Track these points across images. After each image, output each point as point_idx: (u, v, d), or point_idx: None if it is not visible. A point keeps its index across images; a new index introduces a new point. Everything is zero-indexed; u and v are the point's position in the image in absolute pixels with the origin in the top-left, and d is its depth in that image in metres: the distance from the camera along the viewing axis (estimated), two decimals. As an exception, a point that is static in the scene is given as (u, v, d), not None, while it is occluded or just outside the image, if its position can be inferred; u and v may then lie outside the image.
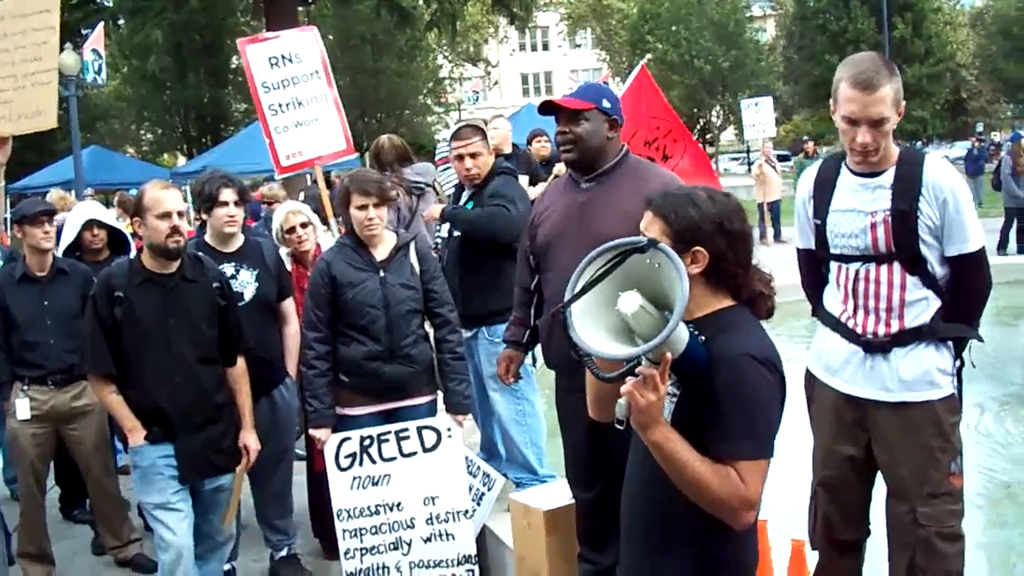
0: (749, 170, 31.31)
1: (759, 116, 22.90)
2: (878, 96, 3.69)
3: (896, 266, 3.84)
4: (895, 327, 3.86)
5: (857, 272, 3.92)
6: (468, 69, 65.16)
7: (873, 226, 3.83)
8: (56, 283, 6.17)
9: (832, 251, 4.00)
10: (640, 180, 4.41)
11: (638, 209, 4.25)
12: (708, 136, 63.24)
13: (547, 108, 4.61)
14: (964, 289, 3.86)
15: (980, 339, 3.98)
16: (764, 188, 22.28)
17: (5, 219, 11.96)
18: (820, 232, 4.04)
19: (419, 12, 34.97)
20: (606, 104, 4.51)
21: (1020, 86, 51.30)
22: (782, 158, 35.98)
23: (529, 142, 11.23)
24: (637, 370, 2.52)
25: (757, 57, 58.39)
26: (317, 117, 6.55)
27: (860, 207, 3.87)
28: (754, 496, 2.64)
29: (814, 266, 4.17)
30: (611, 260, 2.58)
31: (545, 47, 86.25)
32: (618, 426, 2.60)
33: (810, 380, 4.21)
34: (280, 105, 6.50)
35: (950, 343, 3.89)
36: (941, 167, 3.83)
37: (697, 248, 2.81)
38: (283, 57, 6.53)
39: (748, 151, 52.26)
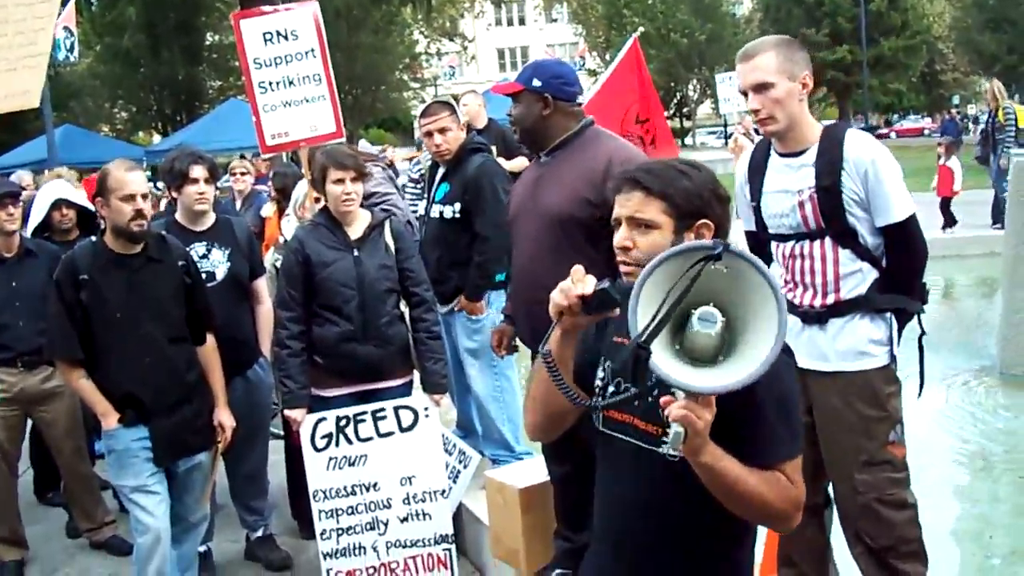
0: (727, 143, 31.32)
1: (734, 90, 22.79)
2: (757, 61, 3.85)
3: (828, 241, 3.92)
4: (831, 299, 3.95)
5: (792, 249, 4.02)
6: (444, 44, 64.98)
7: (801, 204, 3.93)
8: (24, 264, 6.09)
9: (770, 231, 4.10)
10: (585, 153, 4.44)
11: (580, 181, 4.29)
12: (685, 110, 63.29)
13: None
14: (895, 259, 3.93)
15: (921, 309, 4.05)
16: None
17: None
18: (757, 214, 4.14)
19: (394, -13, 34.86)
20: (536, 83, 4.51)
21: (995, 58, 51.35)
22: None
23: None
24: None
25: (733, 30, 58.47)
26: (307, 97, 6.43)
27: (788, 187, 3.98)
28: (803, 495, 2.48)
29: (760, 247, 4.21)
30: (690, 276, 2.15)
31: (521, 21, 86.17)
32: (671, 458, 2.35)
33: None
34: (271, 83, 6.38)
35: (888, 314, 3.96)
36: (861, 140, 3.90)
37: (703, 221, 2.63)
38: (278, 33, 6.40)
39: (725, 124, 52.33)
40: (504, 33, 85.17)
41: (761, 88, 3.84)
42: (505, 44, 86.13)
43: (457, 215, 5.94)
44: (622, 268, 2.65)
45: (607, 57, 59.33)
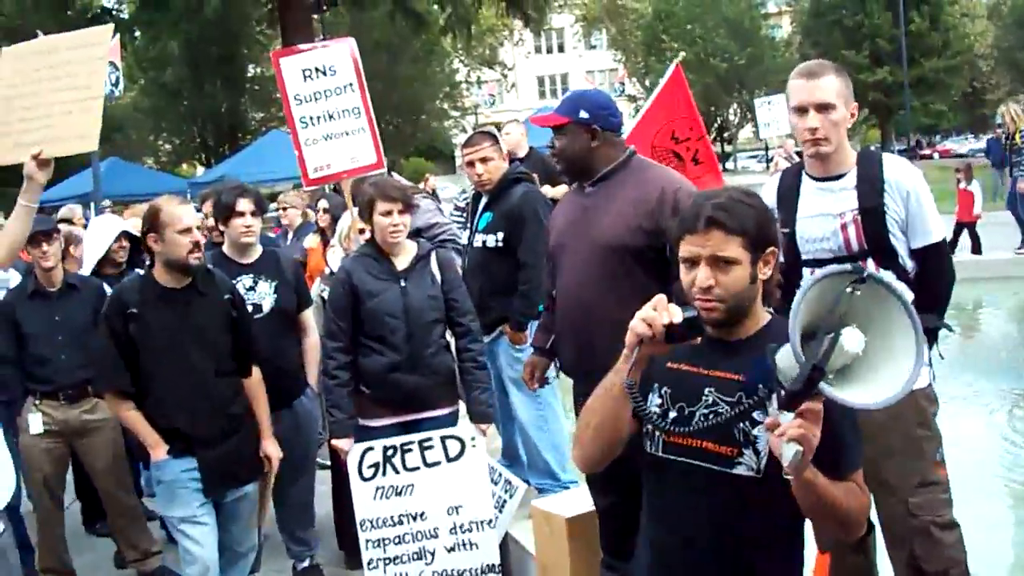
0: (767, 167, 31.20)
1: (773, 114, 22.77)
2: (822, 82, 3.89)
3: (869, 263, 3.91)
4: None
5: None
6: (484, 72, 65.29)
7: (844, 227, 3.95)
8: (66, 298, 6.17)
9: (804, 257, 4.07)
10: (640, 181, 4.43)
11: (632, 210, 4.29)
12: (726, 134, 63.16)
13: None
14: (931, 280, 3.98)
15: (950, 328, 4.12)
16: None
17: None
18: (789, 241, 4.08)
19: (433, 17, 35.11)
20: (583, 115, 4.50)
21: (1039, 77, 51.03)
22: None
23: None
24: (805, 407, 2.28)
25: (773, 54, 58.30)
26: (348, 131, 6.52)
27: (827, 210, 3.99)
28: (870, 502, 2.63)
29: (789, 274, 4.16)
30: (846, 300, 2.31)
31: (560, 49, 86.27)
32: (788, 476, 2.38)
33: None
34: (311, 118, 6.48)
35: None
36: (899, 164, 4.01)
37: (771, 248, 2.71)
38: (316, 69, 6.51)
39: (766, 148, 52.12)
40: (543, 60, 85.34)
41: (823, 108, 3.87)
42: (545, 71, 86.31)
43: (500, 244, 5.96)
44: (704, 306, 2.64)
45: (647, 83, 59.41)
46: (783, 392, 2.30)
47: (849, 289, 2.31)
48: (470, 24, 34.08)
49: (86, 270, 6.95)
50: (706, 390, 2.66)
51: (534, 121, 4.63)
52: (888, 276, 2.37)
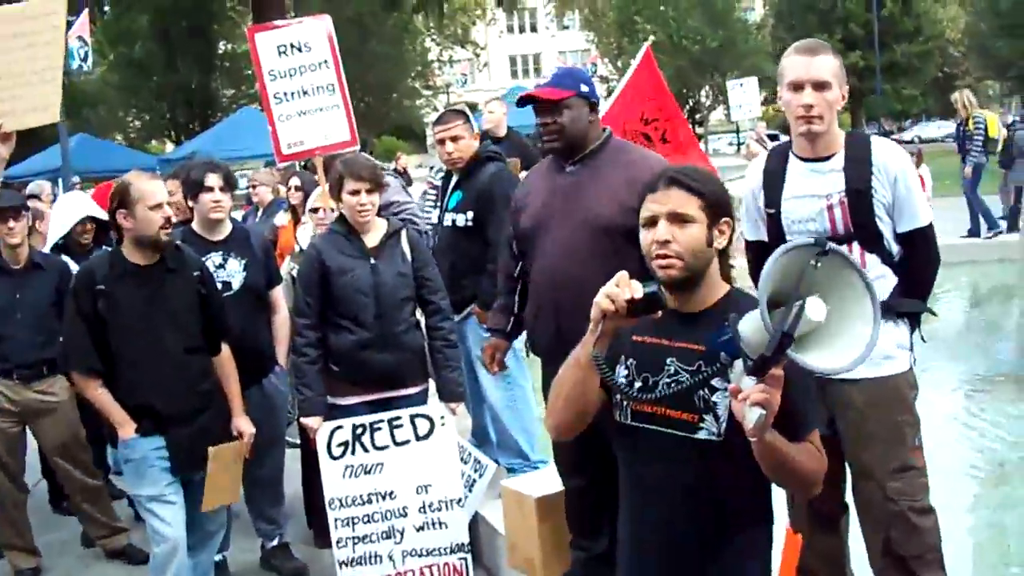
0: (739, 150, 31.27)
1: (745, 96, 22.83)
2: (820, 60, 3.88)
3: (855, 245, 3.92)
4: None
5: None
6: (456, 52, 65.03)
7: (830, 207, 3.94)
8: (30, 276, 6.12)
9: (788, 238, 4.03)
10: (627, 162, 4.42)
11: (625, 190, 4.27)
12: (698, 116, 63.22)
13: (527, 100, 4.59)
14: (917, 264, 4.01)
15: (933, 312, 4.16)
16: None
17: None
18: (774, 221, 4.11)
19: (407, -6, 34.89)
20: (584, 89, 4.49)
21: (1009, 64, 51.16)
22: (772, 137, 35.92)
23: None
24: (772, 372, 2.39)
25: (746, 37, 58.28)
26: (322, 107, 6.50)
27: (815, 191, 3.98)
28: (826, 461, 2.74)
29: (764, 257, 4.16)
30: (812, 270, 2.45)
31: (533, 29, 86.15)
32: (752, 439, 2.49)
33: None
34: (285, 94, 6.46)
35: (907, 318, 3.99)
36: (889, 147, 4.00)
37: (726, 218, 2.86)
38: (292, 46, 6.48)
39: (738, 131, 52.22)
40: (516, 40, 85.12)
41: (821, 86, 3.85)
42: (517, 51, 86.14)
43: (470, 223, 5.94)
44: (660, 262, 2.78)
45: (619, 64, 59.34)
46: (753, 359, 2.40)
47: (814, 262, 2.44)
48: (443, 3, 33.93)
49: (48, 247, 6.88)
50: (668, 360, 2.80)
51: (533, 94, 4.52)
52: (842, 249, 2.48)
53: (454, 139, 6.01)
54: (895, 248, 3.95)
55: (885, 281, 3.91)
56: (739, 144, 40.50)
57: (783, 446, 2.55)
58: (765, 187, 4.14)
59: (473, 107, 8.04)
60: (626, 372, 2.87)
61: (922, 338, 4.14)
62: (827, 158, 3.96)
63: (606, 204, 4.33)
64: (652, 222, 2.82)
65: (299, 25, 6.62)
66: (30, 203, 7.16)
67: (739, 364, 2.49)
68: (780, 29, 53.59)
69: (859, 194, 3.88)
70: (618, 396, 2.87)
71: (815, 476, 2.69)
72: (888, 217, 3.91)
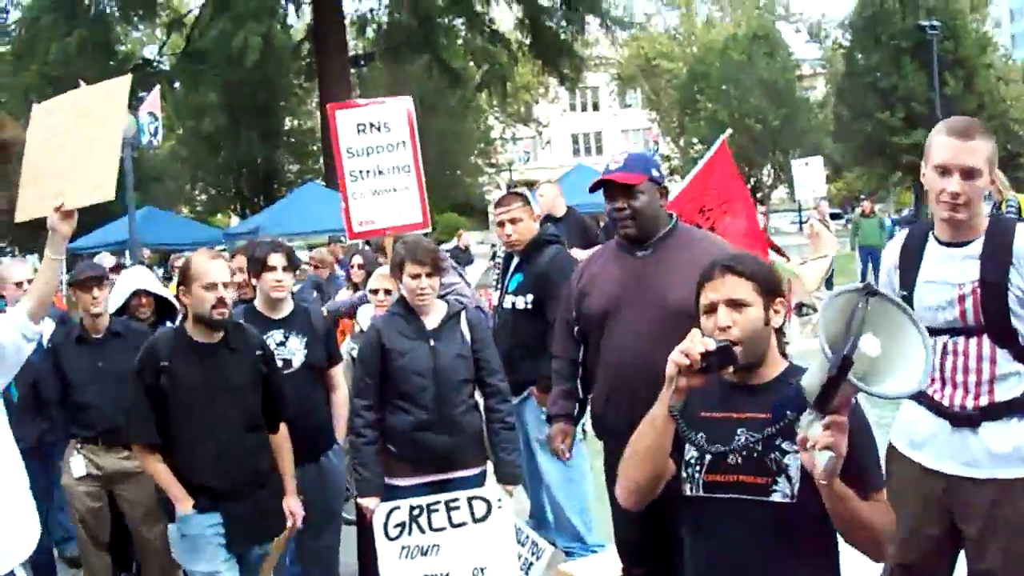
0: (800, 228, 31.15)
1: (810, 175, 22.84)
2: (972, 144, 3.63)
3: (985, 339, 3.69)
4: (984, 400, 3.70)
5: (944, 346, 3.76)
6: (519, 129, 65.61)
7: (961, 298, 3.71)
8: (110, 345, 6.21)
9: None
10: (697, 247, 4.44)
11: (695, 274, 4.27)
12: (759, 195, 63.13)
13: (600, 184, 4.60)
14: None
15: None
16: (818, 247, 22.13)
17: (61, 281, 12.15)
18: (908, 304, 3.92)
19: (469, 73, 35.38)
20: (655, 173, 4.54)
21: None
22: (834, 216, 35.76)
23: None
24: (830, 419, 2.53)
25: (807, 115, 58.28)
26: (396, 187, 6.60)
27: (948, 278, 3.75)
28: (895, 522, 2.83)
29: None
30: (862, 311, 2.59)
31: (595, 107, 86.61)
32: (822, 482, 2.59)
33: (892, 454, 4.02)
34: (361, 172, 6.56)
35: None
36: None
37: (780, 299, 3.03)
38: (371, 124, 6.60)
39: (800, 209, 52.00)
40: (578, 118, 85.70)
41: (970, 174, 3.62)
42: (579, 129, 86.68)
43: (529, 306, 5.96)
44: None
45: (680, 143, 59.56)
46: (819, 390, 2.52)
47: (862, 304, 2.58)
48: (505, 81, 34.25)
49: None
50: (738, 430, 2.90)
51: (607, 178, 4.51)
52: (888, 291, 2.62)
53: (513, 221, 6.07)
54: None
55: (1019, 378, 3.67)
56: (801, 223, 40.32)
57: (853, 498, 2.65)
58: (901, 268, 3.95)
59: (531, 184, 8.07)
60: (697, 446, 2.95)
61: None
62: (966, 243, 3.73)
63: (678, 288, 4.31)
64: (712, 308, 2.97)
65: (380, 105, 6.74)
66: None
67: (805, 417, 2.61)
68: (841, 107, 53.46)
69: (993, 286, 3.64)
70: (688, 470, 2.96)
71: (885, 531, 2.76)
72: (1022, 310, 3.64)
